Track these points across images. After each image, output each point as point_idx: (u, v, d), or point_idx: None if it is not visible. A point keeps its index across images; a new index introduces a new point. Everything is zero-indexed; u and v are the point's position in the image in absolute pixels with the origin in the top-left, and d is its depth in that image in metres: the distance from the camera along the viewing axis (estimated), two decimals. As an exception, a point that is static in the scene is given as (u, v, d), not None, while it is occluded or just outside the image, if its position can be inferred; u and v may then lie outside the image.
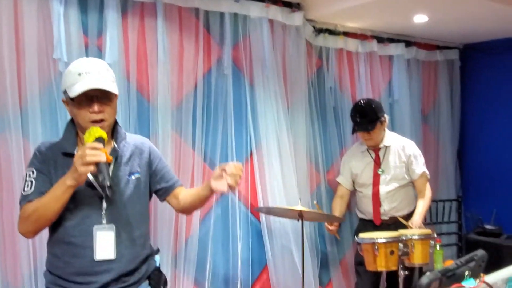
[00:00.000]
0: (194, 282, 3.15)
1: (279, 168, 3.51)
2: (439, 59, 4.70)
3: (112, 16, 2.81)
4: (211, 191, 1.99)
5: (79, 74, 1.83)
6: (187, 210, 2.19)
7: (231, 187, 1.90)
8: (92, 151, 1.69)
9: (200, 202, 2.10)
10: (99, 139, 1.78)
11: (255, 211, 3.44)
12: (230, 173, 1.89)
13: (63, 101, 1.94)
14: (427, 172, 3.53)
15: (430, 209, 4.46)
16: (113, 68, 2.69)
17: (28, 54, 2.55)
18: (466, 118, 4.92)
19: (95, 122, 1.85)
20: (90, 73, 1.83)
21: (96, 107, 1.84)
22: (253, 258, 3.43)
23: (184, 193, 2.15)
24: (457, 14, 3.78)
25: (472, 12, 3.71)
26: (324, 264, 3.84)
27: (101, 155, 1.71)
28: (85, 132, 1.83)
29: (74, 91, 1.81)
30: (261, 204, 3.45)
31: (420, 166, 3.49)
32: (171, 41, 3.06)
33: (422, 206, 3.42)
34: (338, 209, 3.64)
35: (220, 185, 1.92)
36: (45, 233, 1.97)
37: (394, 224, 3.34)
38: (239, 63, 3.40)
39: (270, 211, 3.42)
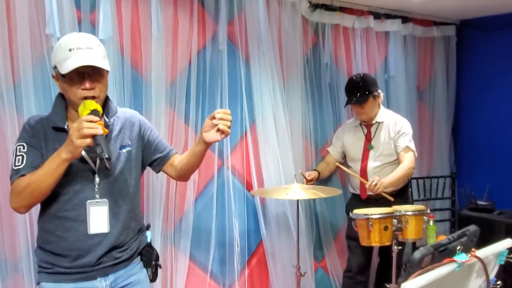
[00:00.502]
0: (190, 257, 3.17)
1: (275, 144, 3.51)
2: (436, 35, 4.68)
3: (105, -10, 2.77)
4: (205, 145, 2.00)
5: (70, 50, 1.81)
6: (184, 173, 2.17)
7: (223, 132, 1.91)
8: (89, 123, 1.69)
9: (197, 160, 2.09)
10: (94, 112, 1.77)
11: (251, 188, 3.45)
12: (219, 118, 1.90)
13: (53, 76, 1.92)
14: (413, 148, 3.49)
15: (424, 185, 4.50)
16: (107, 43, 2.70)
17: (20, 29, 2.51)
18: (461, 95, 4.92)
19: (86, 99, 1.83)
20: (81, 49, 1.81)
21: (87, 84, 1.82)
22: (249, 234, 3.46)
23: (179, 158, 2.16)
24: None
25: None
26: (319, 239, 3.88)
27: (98, 127, 1.70)
28: (80, 105, 1.81)
29: (65, 68, 1.79)
30: (256, 179, 3.45)
31: (405, 141, 3.47)
32: (165, 16, 3.02)
33: (395, 172, 3.40)
34: (320, 167, 3.70)
35: (212, 135, 1.94)
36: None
37: (382, 199, 3.35)
38: (234, 39, 3.37)
39: (265, 193, 3.34)
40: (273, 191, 3.28)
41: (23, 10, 2.52)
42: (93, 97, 1.84)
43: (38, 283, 1.96)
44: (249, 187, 3.46)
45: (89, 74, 1.83)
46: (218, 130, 1.92)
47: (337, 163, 3.51)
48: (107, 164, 1.75)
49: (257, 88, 3.44)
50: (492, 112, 4.69)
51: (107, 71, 1.91)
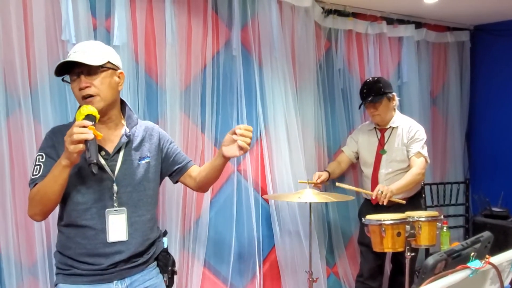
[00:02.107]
0: (204, 263, 3.19)
1: (288, 150, 3.52)
2: (449, 41, 4.65)
3: (120, -3, 2.80)
4: (224, 159, 2.02)
5: (69, 56, 1.88)
6: (203, 185, 2.20)
7: (242, 149, 1.92)
8: (80, 129, 1.70)
9: (215, 173, 2.11)
10: (89, 117, 1.79)
11: (264, 194, 3.46)
12: (240, 134, 1.91)
13: None
14: (424, 154, 3.46)
15: (437, 191, 4.47)
16: (122, 50, 2.73)
17: (37, 35, 2.55)
18: (475, 101, 4.89)
19: (85, 98, 1.86)
20: (76, 52, 1.86)
21: (82, 83, 1.86)
22: (262, 239, 3.46)
23: (198, 169, 2.18)
24: (468, -5, 3.75)
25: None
26: (331, 245, 3.87)
27: (89, 132, 1.71)
28: (77, 111, 1.84)
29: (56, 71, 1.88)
30: (269, 185, 3.47)
31: (417, 146, 3.44)
32: (179, 22, 3.05)
33: (403, 178, 3.37)
34: (331, 167, 3.67)
35: (232, 150, 1.96)
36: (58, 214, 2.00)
37: (393, 206, 3.33)
38: (248, 44, 3.38)
39: (278, 197, 3.41)
40: (286, 196, 3.31)
41: (40, 17, 2.56)
42: (89, 96, 1.86)
43: (55, 284, 1.98)
44: (262, 192, 3.47)
45: (83, 73, 1.86)
46: (238, 145, 1.93)
47: (337, 183, 3.38)
48: (93, 169, 1.73)
49: (270, 93, 3.45)
50: (506, 118, 4.65)
51: (104, 68, 1.89)
